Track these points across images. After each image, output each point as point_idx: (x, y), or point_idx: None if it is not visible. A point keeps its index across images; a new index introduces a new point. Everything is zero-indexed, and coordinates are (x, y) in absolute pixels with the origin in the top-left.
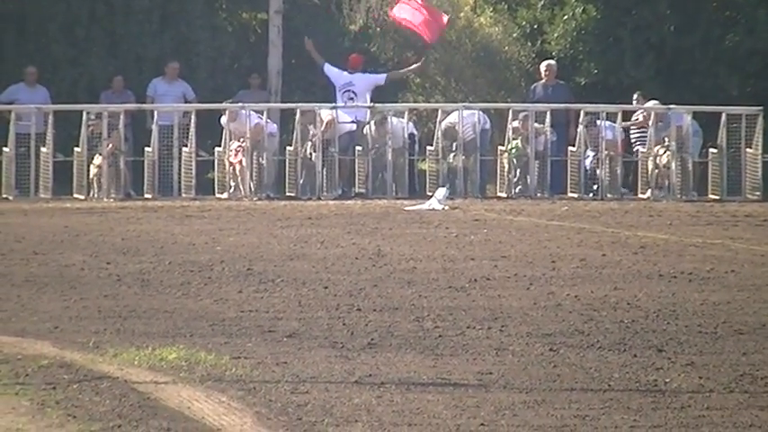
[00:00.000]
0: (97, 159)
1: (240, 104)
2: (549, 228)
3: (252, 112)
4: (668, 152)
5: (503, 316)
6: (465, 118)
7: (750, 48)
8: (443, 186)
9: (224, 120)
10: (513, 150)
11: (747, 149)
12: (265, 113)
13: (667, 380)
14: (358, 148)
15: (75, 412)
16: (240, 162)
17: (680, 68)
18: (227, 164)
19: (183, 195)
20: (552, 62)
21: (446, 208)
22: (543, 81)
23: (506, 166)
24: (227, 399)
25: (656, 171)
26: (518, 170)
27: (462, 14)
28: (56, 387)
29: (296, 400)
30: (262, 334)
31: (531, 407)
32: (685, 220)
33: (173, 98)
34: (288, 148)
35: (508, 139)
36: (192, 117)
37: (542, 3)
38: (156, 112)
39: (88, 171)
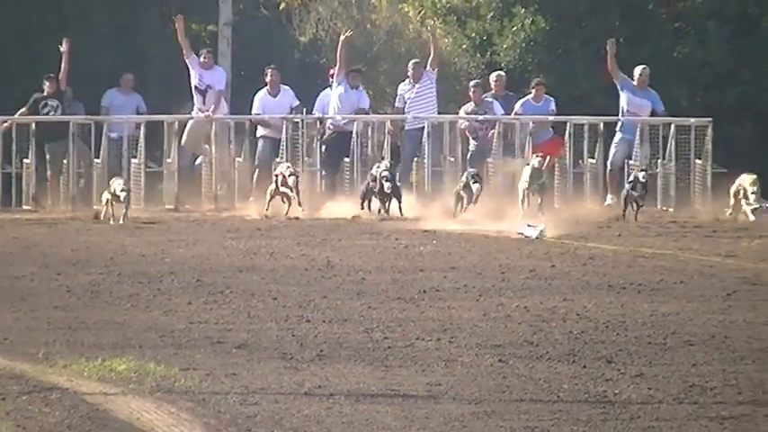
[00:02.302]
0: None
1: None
2: (498, 239)
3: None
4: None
5: (452, 327)
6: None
7: (701, 59)
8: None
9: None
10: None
11: (697, 160)
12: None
13: (617, 391)
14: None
15: (24, 423)
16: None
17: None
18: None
19: (133, 207)
20: (502, 73)
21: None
22: (492, 92)
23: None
24: (177, 410)
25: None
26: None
27: (411, 26)
28: (5, 398)
29: (245, 412)
30: (211, 345)
31: (480, 418)
32: (634, 231)
33: (127, 110)
34: (238, 159)
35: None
36: (142, 129)
37: (491, 14)
38: (105, 124)
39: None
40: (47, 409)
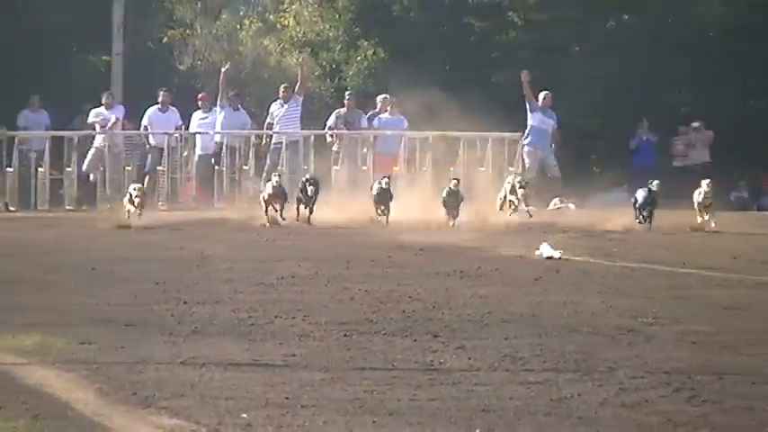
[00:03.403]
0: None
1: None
2: (345, 233)
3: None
4: None
5: (305, 308)
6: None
7: (515, 81)
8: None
9: None
10: None
11: (510, 168)
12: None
13: (442, 360)
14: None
15: None
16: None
17: (454, 103)
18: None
19: (39, 208)
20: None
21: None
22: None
23: None
24: (75, 377)
25: None
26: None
27: (273, 56)
28: None
29: (132, 378)
30: (104, 323)
31: (328, 383)
32: (462, 227)
33: (38, 126)
34: (127, 168)
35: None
36: (47, 142)
37: (339, 47)
38: (17, 138)
39: None
40: None
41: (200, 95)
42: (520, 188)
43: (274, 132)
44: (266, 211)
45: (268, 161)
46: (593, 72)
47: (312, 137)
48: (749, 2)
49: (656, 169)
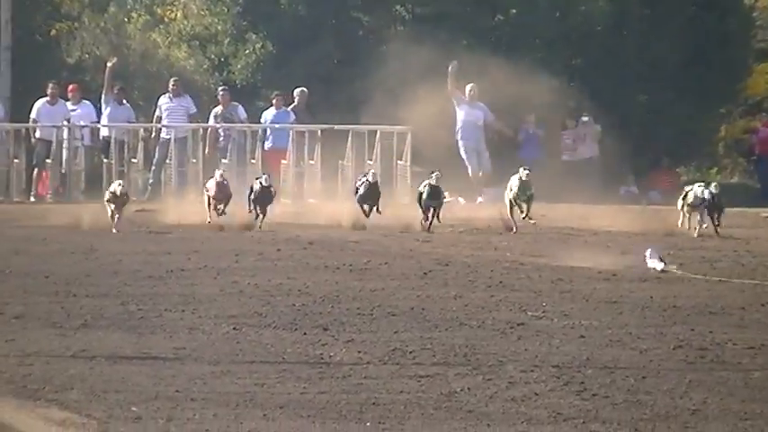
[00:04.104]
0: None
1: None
2: (234, 228)
3: None
4: None
5: (194, 301)
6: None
7: (402, 75)
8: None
9: None
10: None
11: (399, 161)
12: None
13: (332, 354)
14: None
15: None
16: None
17: (343, 96)
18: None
19: None
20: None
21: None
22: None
23: None
24: None
25: None
26: None
27: (161, 49)
28: None
29: (21, 371)
30: None
31: (218, 377)
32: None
33: None
34: (15, 160)
35: None
36: None
37: (228, 40)
38: None
39: None
40: None
41: (69, 87)
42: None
43: (163, 126)
44: (211, 208)
45: (157, 154)
46: (480, 66)
47: (200, 130)
48: None
49: (545, 163)
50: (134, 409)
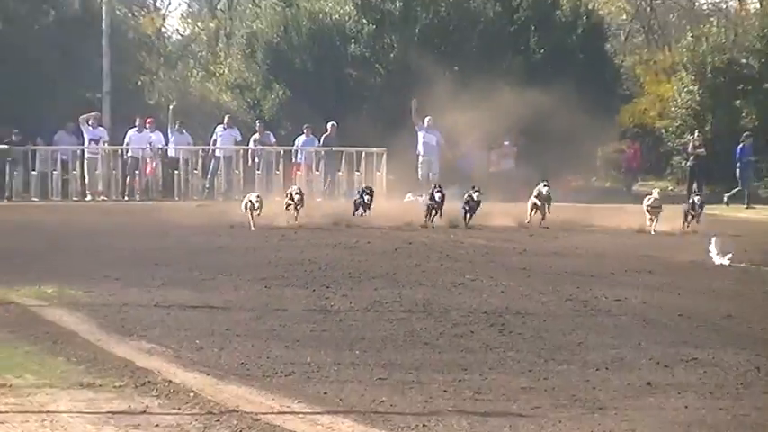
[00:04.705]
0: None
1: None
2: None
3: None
4: None
5: (237, 269)
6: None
7: (379, 112)
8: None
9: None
10: None
11: (377, 172)
12: None
13: (332, 304)
14: None
15: None
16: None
17: (339, 127)
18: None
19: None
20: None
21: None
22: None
23: None
24: (81, 315)
25: None
26: None
27: (213, 95)
28: None
29: (120, 316)
30: (101, 279)
31: (254, 320)
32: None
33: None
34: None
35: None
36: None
37: (259, 88)
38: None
39: None
40: (7, 314)
41: (148, 120)
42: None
43: (216, 147)
44: (290, 209)
45: (211, 167)
46: (435, 104)
47: (241, 151)
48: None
49: (478, 174)
50: (197, 341)
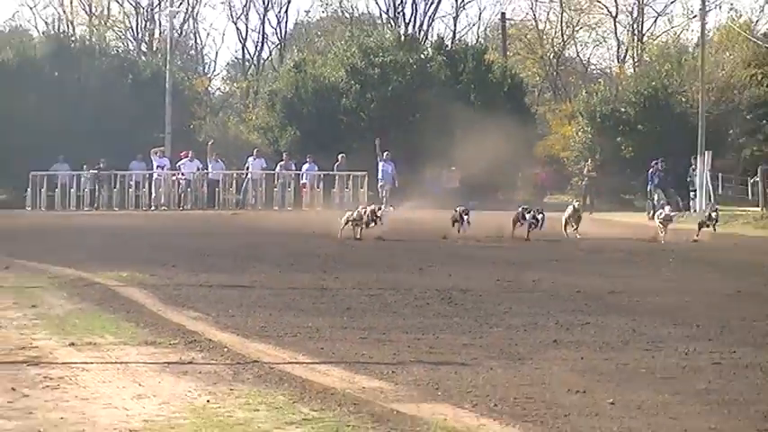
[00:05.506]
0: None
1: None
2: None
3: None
4: None
5: (261, 257)
6: None
7: (360, 149)
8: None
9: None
10: None
11: (360, 189)
12: None
13: (327, 285)
14: None
15: (83, 297)
16: None
17: (332, 157)
18: None
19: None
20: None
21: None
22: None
23: None
24: (147, 292)
25: None
26: None
27: (244, 134)
28: (74, 287)
29: (175, 293)
30: (161, 266)
31: (273, 296)
32: None
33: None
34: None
35: None
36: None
37: (277, 128)
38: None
39: None
40: (92, 291)
41: (182, 153)
42: (540, 214)
43: (249, 172)
44: (350, 226)
45: (243, 187)
46: (395, 142)
47: (264, 175)
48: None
49: (433, 192)
50: (230, 311)
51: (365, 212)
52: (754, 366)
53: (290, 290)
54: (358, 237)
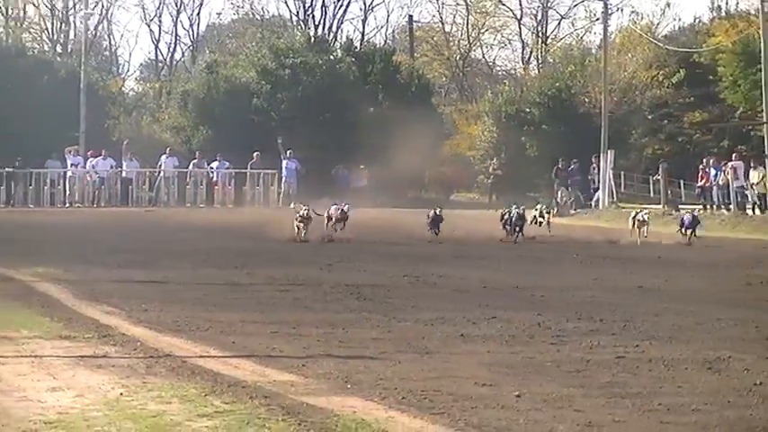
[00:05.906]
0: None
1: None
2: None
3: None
4: None
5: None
6: None
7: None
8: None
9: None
10: None
11: (271, 187)
12: None
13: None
14: None
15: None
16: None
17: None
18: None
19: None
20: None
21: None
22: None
23: None
24: (62, 287)
25: None
26: None
27: (157, 134)
28: None
29: (89, 288)
30: (78, 262)
31: (186, 290)
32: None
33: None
34: None
35: None
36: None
37: (190, 128)
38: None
39: None
40: (7, 286)
41: (89, 152)
42: (547, 213)
43: (161, 170)
44: (328, 225)
45: (156, 185)
46: (303, 140)
47: (177, 172)
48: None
49: (346, 189)
50: (143, 305)
51: (328, 212)
52: (656, 360)
53: (203, 285)
54: (304, 238)
